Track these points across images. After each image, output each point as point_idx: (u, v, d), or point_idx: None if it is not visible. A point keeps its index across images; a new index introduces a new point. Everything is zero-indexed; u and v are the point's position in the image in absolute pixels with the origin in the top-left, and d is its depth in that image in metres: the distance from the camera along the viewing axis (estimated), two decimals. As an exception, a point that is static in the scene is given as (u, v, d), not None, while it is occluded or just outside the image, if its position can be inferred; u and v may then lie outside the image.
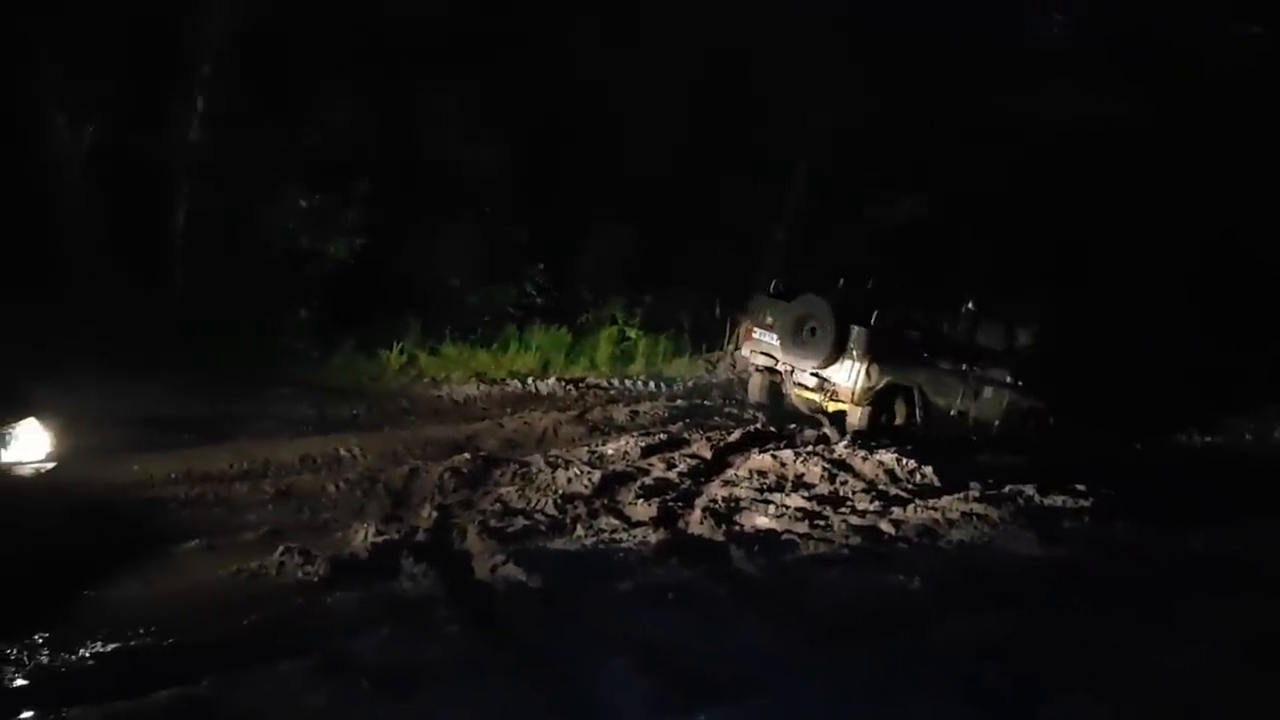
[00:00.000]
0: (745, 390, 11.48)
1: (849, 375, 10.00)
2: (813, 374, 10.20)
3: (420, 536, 5.93)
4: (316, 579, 5.15)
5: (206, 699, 3.75)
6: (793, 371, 10.44)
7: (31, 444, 4.90)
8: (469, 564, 5.62)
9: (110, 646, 4.15)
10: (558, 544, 6.13)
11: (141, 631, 4.30)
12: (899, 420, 10.42)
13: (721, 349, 13.52)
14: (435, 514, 6.34)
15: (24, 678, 3.86)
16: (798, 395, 10.59)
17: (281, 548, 5.40)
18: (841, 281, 10.99)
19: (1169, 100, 16.25)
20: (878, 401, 10.17)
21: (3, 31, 10.76)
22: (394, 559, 5.48)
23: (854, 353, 9.95)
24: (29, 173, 10.94)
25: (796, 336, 10.25)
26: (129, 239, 11.53)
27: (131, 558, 5.17)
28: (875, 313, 10.05)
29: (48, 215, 11.32)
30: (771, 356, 10.60)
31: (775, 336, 10.51)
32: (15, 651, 4.02)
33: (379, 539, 5.73)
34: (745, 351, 11.06)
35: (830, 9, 14.82)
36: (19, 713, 3.54)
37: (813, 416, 10.44)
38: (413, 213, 12.55)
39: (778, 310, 10.59)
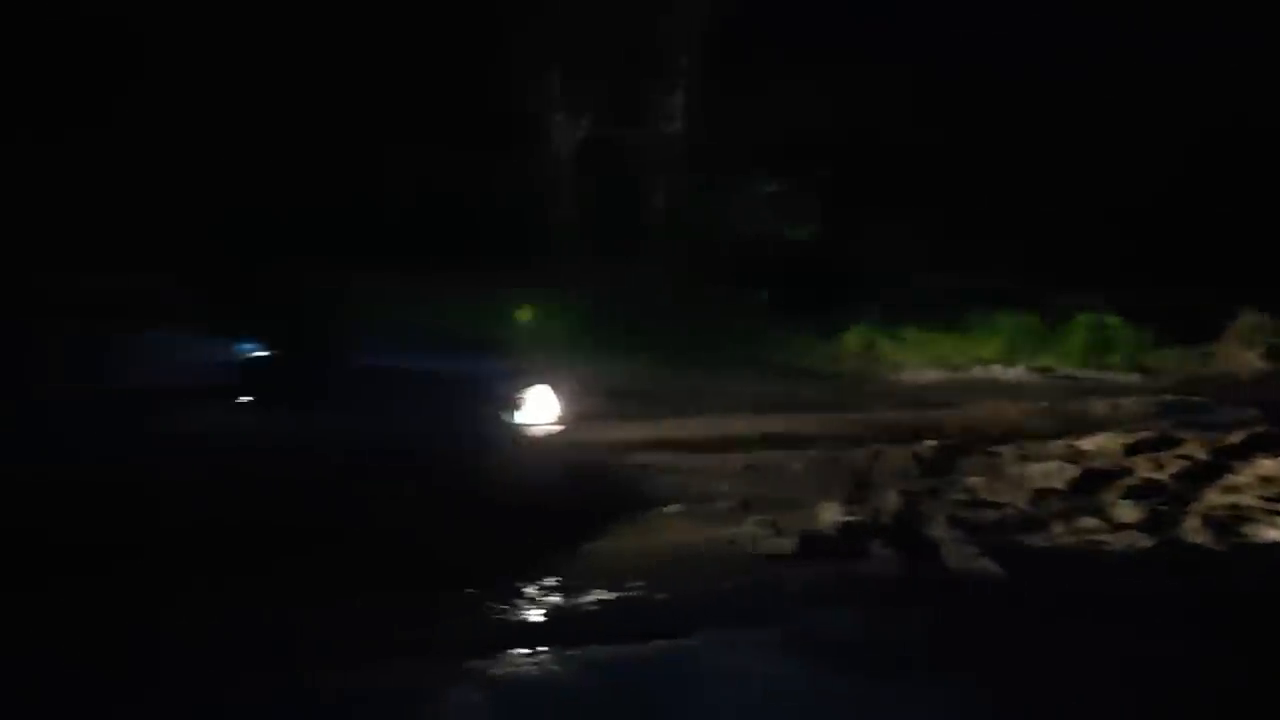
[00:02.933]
0: None
1: None
2: None
3: (886, 520, 5.87)
4: (788, 552, 5.26)
5: (697, 653, 3.98)
6: None
7: (541, 408, 5.42)
8: (936, 552, 5.46)
9: (611, 595, 4.53)
10: (1032, 541, 5.78)
11: (636, 584, 4.65)
12: None
13: (1216, 341, 12.16)
14: (900, 499, 6.24)
15: (541, 615, 4.33)
16: None
17: (753, 519, 5.61)
18: None
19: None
20: None
21: (516, 47, 12.18)
22: (861, 540, 5.47)
23: None
24: (533, 163, 12.31)
25: None
26: (611, 223, 12.57)
27: (620, 516, 5.62)
28: None
29: (545, 201, 12.65)
30: None
31: None
32: (533, 591, 4.52)
33: (846, 519, 5.74)
34: None
35: None
36: (539, 645, 3.97)
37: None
38: (873, 196, 12.51)
39: None
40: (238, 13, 11.35)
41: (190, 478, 4.50)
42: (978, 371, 10.60)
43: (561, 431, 5.58)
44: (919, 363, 10.70)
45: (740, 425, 8.02)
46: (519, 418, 5.39)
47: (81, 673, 3.60)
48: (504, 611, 4.33)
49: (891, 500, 6.24)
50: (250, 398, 4.73)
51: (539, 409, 5.47)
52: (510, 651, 3.93)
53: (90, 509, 4.31)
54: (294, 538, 4.43)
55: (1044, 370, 10.84)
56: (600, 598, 4.49)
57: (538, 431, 5.44)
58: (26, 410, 4.42)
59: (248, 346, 4.74)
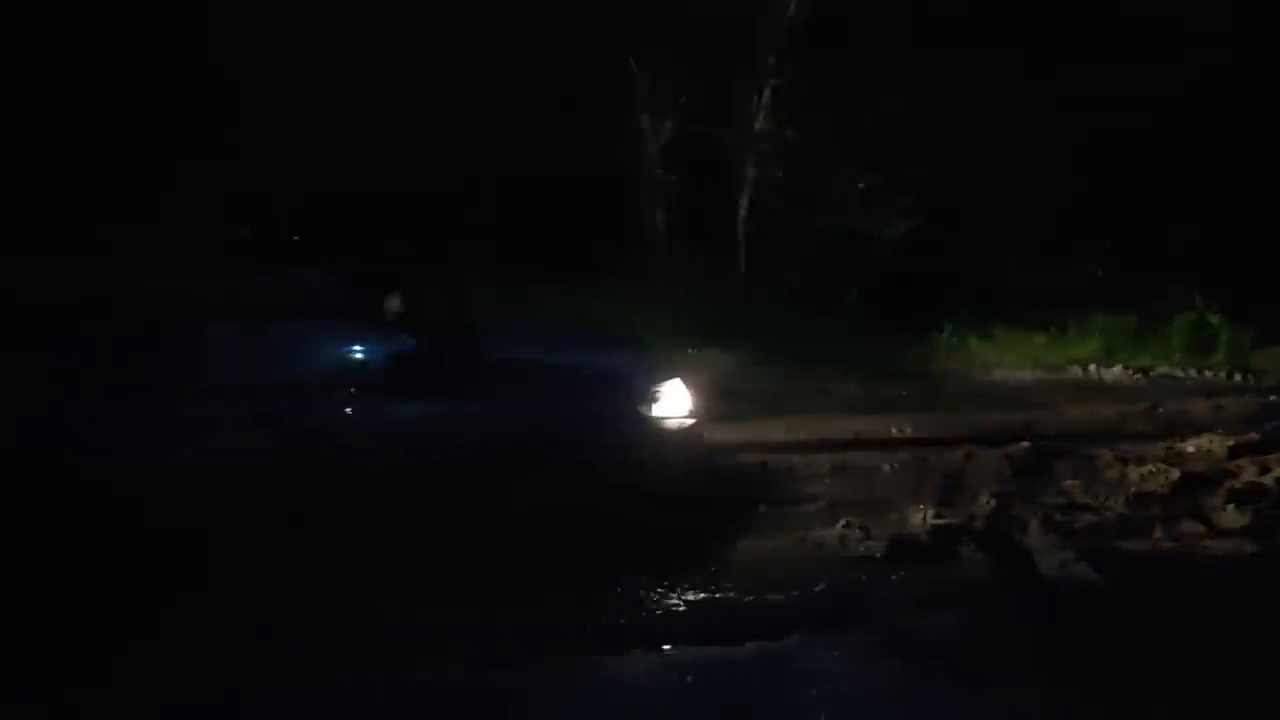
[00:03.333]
0: None
1: None
2: None
3: (978, 524, 5.81)
4: (877, 555, 5.25)
5: (788, 655, 4.04)
6: None
7: (676, 403, 5.41)
8: (1030, 557, 5.39)
9: (701, 595, 4.60)
10: (1130, 546, 5.67)
11: (727, 585, 4.71)
12: None
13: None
14: (993, 502, 6.17)
15: (631, 615, 4.39)
16: None
17: (843, 521, 5.62)
18: None
19: None
20: None
21: (607, 47, 12.29)
22: (953, 544, 5.43)
23: None
24: (623, 163, 12.41)
25: None
26: (699, 222, 12.61)
27: (714, 515, 5.63)
28: None
29: (634, 200, 12.74)
30: None
31: None
32: (623, 591, 4.59)
33: (937, 521, 5.71)
34: None
35: None
36: (628, 648, 4.05)
37: None
38: (966, 194, 12.34)
39: None
40: (338, 17, 11.62)
41: (337, 467, 4.65)
42: (1073, 372, 10.37)
43: (695, 425, 5.55)
44: (1012, 362, 10.51)
45: (829, 425, 8.00)
46: (656, 411, 5.38)
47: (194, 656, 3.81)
48: (594, 612, 4.39)
49: (984, 503, 6.17)
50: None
51: (674, 403, 5.45)
52: (601, 652, 4.02)
53: (236, 499, 4.49)
54: (410, 530, 4.56)
55: (1142, 370, 10.55)
56: (688, 598, 4.56)
57: (673, 425, 5.42)
58: (190, 408, 4.59)
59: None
